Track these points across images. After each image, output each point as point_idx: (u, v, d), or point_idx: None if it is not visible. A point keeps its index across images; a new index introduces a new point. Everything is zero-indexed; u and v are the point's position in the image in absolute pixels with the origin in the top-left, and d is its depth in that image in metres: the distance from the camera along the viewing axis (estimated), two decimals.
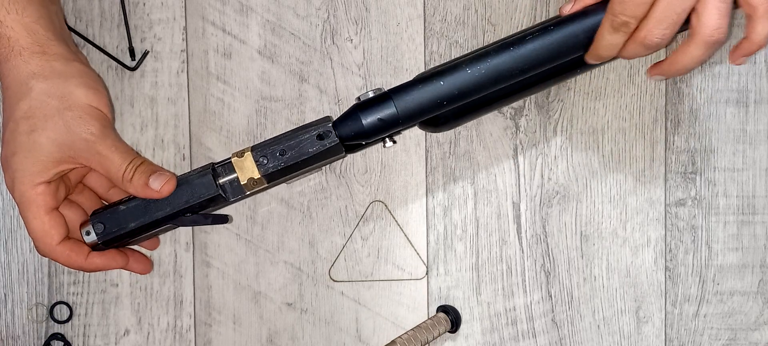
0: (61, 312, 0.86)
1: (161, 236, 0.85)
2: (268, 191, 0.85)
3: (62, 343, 0.86)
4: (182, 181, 0.72)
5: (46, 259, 0.85)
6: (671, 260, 0.86)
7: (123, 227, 0.72)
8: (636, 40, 0.69)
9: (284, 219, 0.86)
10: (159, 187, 0.74)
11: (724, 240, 0.86)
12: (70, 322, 0.86)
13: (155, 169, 0.74)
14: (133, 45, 0.84)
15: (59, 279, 0.85)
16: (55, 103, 0.72)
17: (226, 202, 0.73)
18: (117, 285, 0.86)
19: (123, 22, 0.84)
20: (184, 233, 0.85)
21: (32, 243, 0.84)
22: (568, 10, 0.73)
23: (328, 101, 0.85)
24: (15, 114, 0.72)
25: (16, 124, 0.72)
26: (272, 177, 0.71)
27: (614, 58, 0.74)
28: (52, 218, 0.73)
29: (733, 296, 0.86)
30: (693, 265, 0.86)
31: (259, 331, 0.86)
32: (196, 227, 0.85)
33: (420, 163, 0.86)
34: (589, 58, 0.72)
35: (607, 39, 0.70)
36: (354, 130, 0.71)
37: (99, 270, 0.78)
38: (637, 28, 0.69)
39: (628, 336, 0.86)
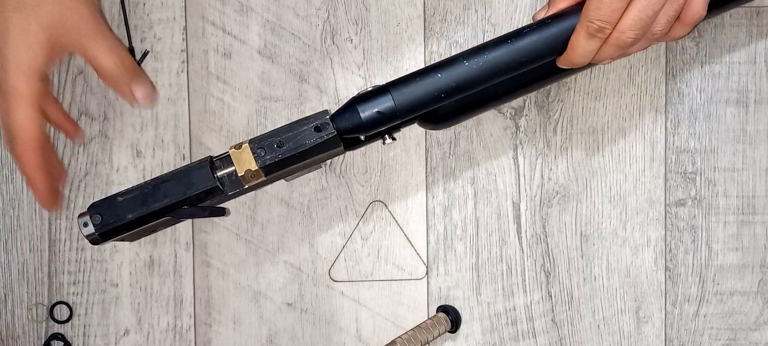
0: (61, 312, 0.86)
1: (161, 236, 0.85)
2: (269, 191, 0.85)
3: (62, 343, 0.86)
4: (180, 173, 0.72)
5: (46, 259, 0.85)
6: (671, 260, 0.86)
7: (120, 218, 0.72)
8: (609, 43, 0.69)
9: (284, 219, 0.86)
10: (141, 96, 0.75)
11: (724, 240, 0.86)
12: (70, 322, 0.86)
13: (140, 75, 0.75)
14: (133, 45, 0.84)
15: (59, 279, 0.85)
16: None
17: (225, 195, 0.73)
18: (117, 285, 0.86)
19: (123, 22, 0.84)
20: (184, 232, 0.85)
21: (30, 243, 0.85)
22: (542, 16, 0.72)
23: (328, 101, 0.85)
24: (5, 1, 0.71)
25: (5, 8, 0.71)
26: (270, 169, 0.71)
27: (586, 67, 0.74)
28: (37, 114, 0.73)
29: (733, 296, 0.86)
30: (693, 265, 0.86)
31: (259, 331, 0.86)
32: (196, 228, 0.85)
33: (420, 163, 0.86)
34: (562, 64, 0.72)
35: (583, 45, 0.69)
36: (352, 123, 0.71)
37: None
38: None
39: (628, 336, 0.86)
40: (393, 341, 0.81)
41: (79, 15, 0.73)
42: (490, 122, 0.85)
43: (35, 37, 0.72)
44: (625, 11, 0.67)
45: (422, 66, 0.84)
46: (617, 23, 0.67)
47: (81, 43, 0.73)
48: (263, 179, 0.72)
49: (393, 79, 0.73)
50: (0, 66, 0.72)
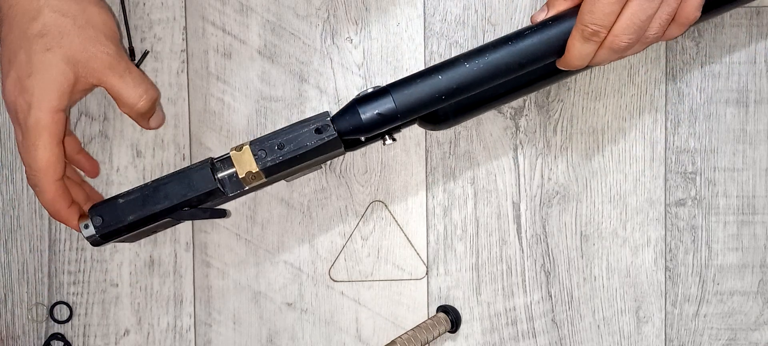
0: (61, 312, 0.86)
1: (161, 236, 0.85)
2: (269, 191, 0.85)
3: (62, 343, 0.86)
4: (180, 174, 0.72)
5: (46, 259, 0.85)
6: (671, 260, 0.86)
7: (121, 220, 0.72)
8: (604, 46, 0.69)
9: (284, 219, 0.86)
10: (155, 124, 0.81)
11: (724, 240, 0.86)
12: (70, 322, 0.86)
13: (156, 106, 0.78)
14: (133, 45, 0.84)
15: (59, 279, 0.85)
16: (69, 22, 0.71)
17: (225, 196, 0.73)
18: (117, 285, 0.86)
19: (123, 22, 0.84)
20: (184, 232, 0.85)
21: (30, 243, 0.85)
22: (541, 18, 0.72)
23: (328, 101, 0.85)
24: (28, 34, 0.70)
25: (30, 44, 0.70)
26: (271, 171, 0.71)
27: (585, 68, 0.74)
28: (61, 150, 0.73)
29: (733, 296, 0.86)
30: (693, 265, 0.86)
31: (259, 331, 0.86)
32: (196, 228, 0.85)
33: (420, 163, 0.86)
34: (561, 66, 0.72)
35: (579, 48, 0.70)
36: (352, 125, 0.71)
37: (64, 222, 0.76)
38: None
39: (628, 336, 0.86)
40: (393, 341, 0.81)
41: (104, 50, 0.72)
42: (490, 122, 0.85)
43: (61, 72, 0.71)
44: (618, 15, 0.67)
45: (422, 66, 0.84)
46: (612, 27, 0.68)
47: (108, 78, 0.73)
48: (264, 180, 0.72)
49: (393, 79, 0.74)
50: (24, 100, 0.71)
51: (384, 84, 0.72)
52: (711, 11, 0.75)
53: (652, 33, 0.69)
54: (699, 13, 0.70)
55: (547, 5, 0.72)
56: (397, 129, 0.77)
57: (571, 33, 0.69)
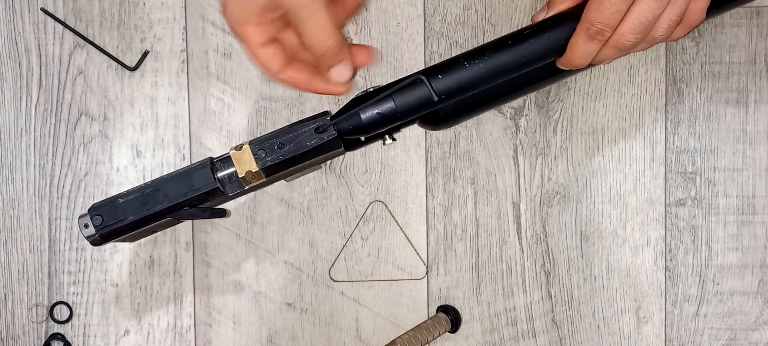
0: (61, 312, 0.86)
1: (161, 236, 0.85)
2: (269, 191, 0.85)
3: (62, 343, 0.86)
4: (180, 174, 0.72)
5: (46, 259, 0.85)
6: (671, 260, 0.86)
7: (121, 219, 0.72)
8: (609, 45, 0.69)
9: (284, 219, 0.86)
10: (339, 80, 0.70)
11: (724, 240, 0.86)
12: (70, 322, 0.86)
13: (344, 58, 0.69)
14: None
15: (59, 279, 0.85)
16: None
17: (225, 196, 0.73)
18: (117, 285, 0.86)
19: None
20: (184, 232, 0.85)
21: (30, 243, 0.85)
22: (542, 17, 0.72)
23: (328, 101, 0.85)
24: None
25: None
26: (271, 170, 0.71)
27: (586, 67, 0.74)
28: (267, 50, 0.70)
29: (733, 296, 0.86)
30: (693, 265, 0.86)
31: (259, 331, 0.86)
32: (196, 228, 0.85)
33: (420, 163, 0.86)
34: (562, 65, 0.72)
35: (582, 47, 0.69)
36: (352, 124, 0.71)
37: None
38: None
39: (628, 336, 0.86)
40: (393, 341, 0.81)
41: None
42: (490, 122, 0.85)
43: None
44: (625, 14, 0.67)
45: (422, 66, 0.84)
46: (617, 26, 0.67)
47: (292, 14, 0.67)
48: (264, 179, 0.72)
49: (393, 79, 0.74)
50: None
51: (384, 84, 0.72)
52: (713, 10, 0.75)
53: (659, 33, 0.68)
54: (704, 16, 0.70)
55: (548, 5, 0.72)
56: (397, 129, 0.77)
57: (575, 31, 0.69)
